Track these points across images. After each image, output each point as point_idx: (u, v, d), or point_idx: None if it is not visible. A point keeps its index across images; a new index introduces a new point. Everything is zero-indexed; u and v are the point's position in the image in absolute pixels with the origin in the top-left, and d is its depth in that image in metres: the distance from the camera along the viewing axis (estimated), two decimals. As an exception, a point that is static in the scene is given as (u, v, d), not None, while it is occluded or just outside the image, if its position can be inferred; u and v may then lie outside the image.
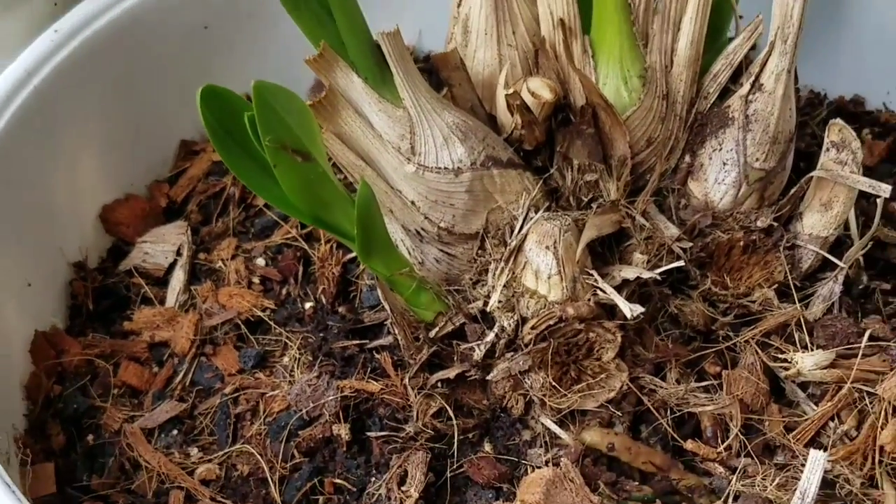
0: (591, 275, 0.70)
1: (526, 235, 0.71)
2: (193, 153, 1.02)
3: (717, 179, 0.78)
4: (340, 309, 0.84)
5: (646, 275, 0.70)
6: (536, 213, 0.74)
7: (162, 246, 0.91)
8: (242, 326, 0.83)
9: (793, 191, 0.78)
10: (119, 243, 0.94)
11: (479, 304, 0.75)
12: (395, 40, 0.71)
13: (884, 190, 0.72)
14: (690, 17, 0.76)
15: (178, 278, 0.88)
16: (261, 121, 0.56)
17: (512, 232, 0.74)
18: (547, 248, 0.70)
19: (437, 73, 0.78)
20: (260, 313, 0.84)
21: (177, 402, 0.79)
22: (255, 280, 0.88)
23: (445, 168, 0.73)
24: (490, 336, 0.72)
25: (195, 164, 1.01)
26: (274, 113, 0.56)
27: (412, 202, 0.75)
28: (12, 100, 0.82)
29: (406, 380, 0.74)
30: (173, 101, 0.99)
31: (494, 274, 0.73)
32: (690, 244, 0.76)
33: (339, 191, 0.64)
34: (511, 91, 0.73)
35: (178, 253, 0.90)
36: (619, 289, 0.71)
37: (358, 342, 0.79)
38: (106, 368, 0.80)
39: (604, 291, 0.69)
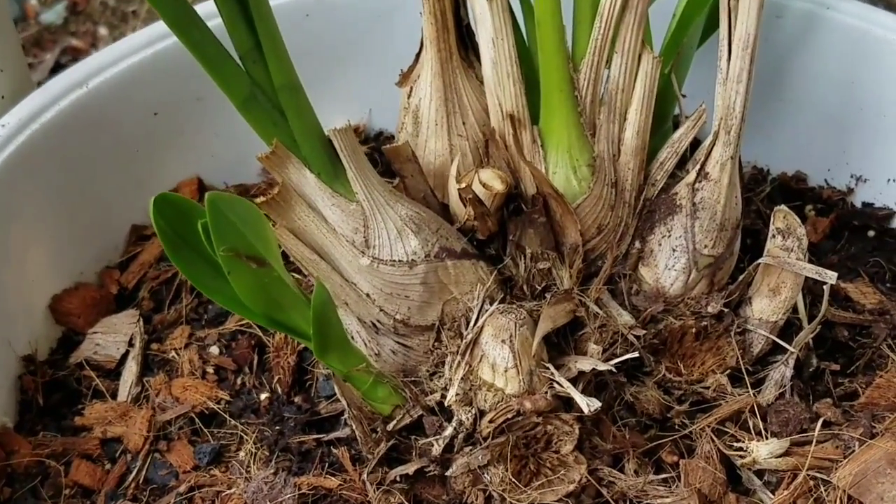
0: (548, 368, 0.70)
1: (482, 328, 0.71)
2: (144, 238, 1.01)
3: (668, 265, 0.78)
4: (296, 399, 0.83)
5: (601, 367, 0.70)
6: (492, 304, 0.73)
7: (113, 336, 0.89)
8: (197, 420, 0.82)
9: (741, 277, 0.78)
10: (69, 333, 0.92)
11: (437, 396, 0.74)
12: (346, 136, 0.70)
13: (830, 277, 0.73)
14: (636, 109, 0.77)
15: (131, 370, 0.86)
16: (215, 231, 0.55)
17: (468, 324, 0.73)
18: (503, 342, 0.69)
19: (390, 164, 0.77)
20: (214, 406, 0.82)
21: (130, 502, 0.77)
22: (210, 370, 0.86)
23: (399, 261, 0.73)
24: (448, 430, 0.71)
25: (146, 249, 1.00)
26: (228, 223, 0.56)
27: (367, 295, 0.74)
28: (-41, 195, 0.80)
29: (364, 475, 0.73)
30: (124, 186, 0.99)
31: (451, 366, 0.73)
32: (644, 331, 0.76)
33: (294, 293, 0.64)
34: (463, 185, 0.73)
35: (131, 343, 0.89)
36: (574, 381, 0.71)
37: (315, 436, 0.77)
38: (57, 469, 0.78)
39: (560, 385, 0.69)
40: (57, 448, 0.80)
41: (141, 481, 0.79)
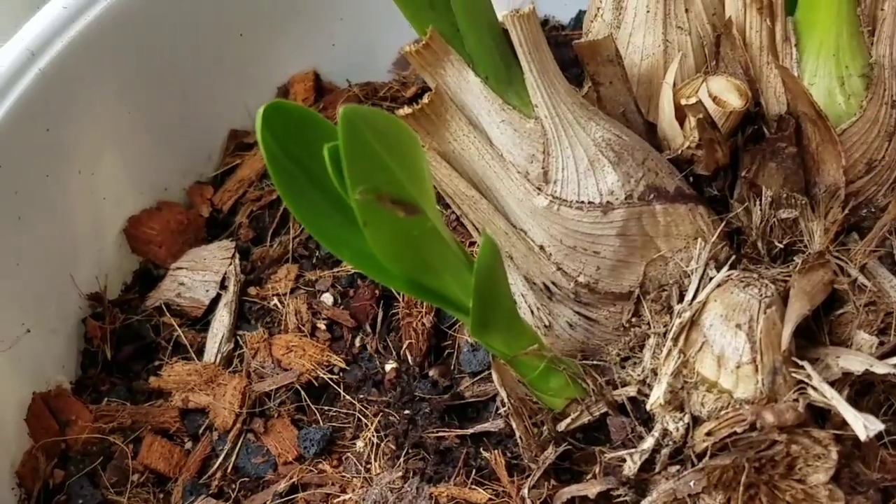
0: (802, 367, 0.54)
1: (705, 304, 0.55)
2: (245, 147, 0.89)
3: (965, 222, 0.62)
4: (431, 373, 0.70)
5: (880, 369, 0.54)
6: (717, 269, 0.58)
7: (202, 275, 0.77)
8: (303, 393, 0.70)
9: None
10: (148, 267, 0.81)
11: (631, 390, 0.60)
12: (528, 25, 0.55)
13: None
14: (940, -2, 0.59)
15: (222, 321, 0.74)
16: (350, 161, 0.41)
17: (682, 296, 0.58)
18: (738, 326, 0.54)
19: (582, 65, 0.62)
20: (326, 375, 0.70)
21: (214, 498, 0.65)
22: (321, 326, 0.74)
23: (590, 203, 0.58)
24: (648, 441, 0.57)
25: (247, 161, 0.87)
26: (369, 151, 0.41)
27: (541, 247, 0.60)
28: (12, 87, 0.70)
29: (525, 490, 0.59)
30: (221, 79, 0.86)
31: (656, 354, 0.58)
32: (928, 315, 0.60)
33: (452, 250, 0.49)
34: (693, 100, 0.57)
35: (223, 285, 0.77)
36: (834, 385, 0.55)
37: (458, 431, 0.64)
38: (123, 449, 0.67)
39: (819, 392, 0.53)
40: (125, 420, 0.69)
41: (229, 470, 0.68)
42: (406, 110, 0.57)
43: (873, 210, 0.64)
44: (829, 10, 0.59)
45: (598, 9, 0.66)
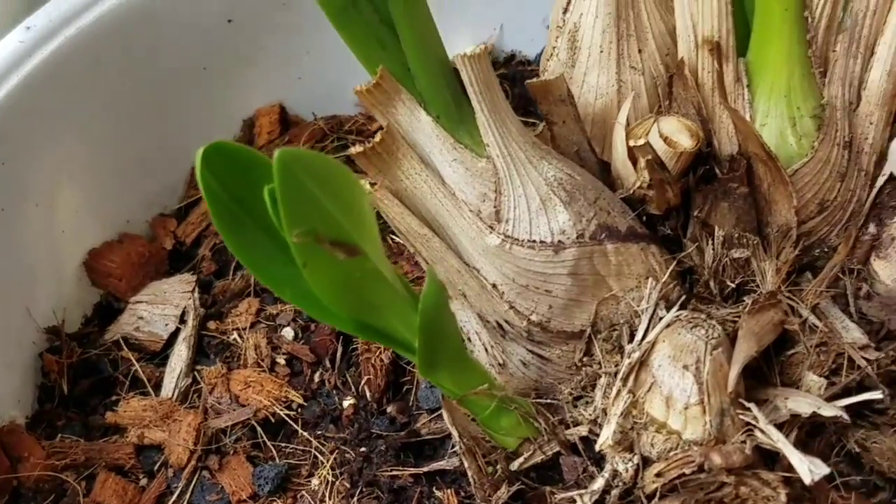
0: (748, 409, 0.55)
1: (654, 345, 0.56)
2: (209, 179, 0.88)
3: (916, 261, 0.62)
4: (389, 409, 0.70)
5: (827, 412, 0.55)
6: (668, 309, 0.58)
7: (162, 308, 0.77)
8: (259, 429, 0.69)
9: None
10: (108, 300, 0.81)
11: (583, 429, 0.60)
12: (479, 65, 0.56)
13: None
14: (890, 42, 0.60)
15: (180, 356, 0.74)
16: (286, 204, 0.41)
17: (633, 335, 0.58)
18: (685, 367, 0.54)
19: (536, 104, 0.62)
20: (283, 412, 0.70)
21: (167, 536, 0.65)
22: (280, 360, 0.74)
23: (542, 242, 0.59)
24: (598, 482, 0.57)
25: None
26: (305, 193, 0.42)
27: (493, 285, 0.60)
28: (-32, 118, 0.69)
29: (477, 529, 0.59)
30: (186, 112, 0.87)
31: (606, 394, 0.58)
32: (879, 354, 0.60)
33: (396, 290, 0.50)
34: (641, 142, 0.57)
35: (183, 319, 0.77)
36: (783, 427, 0.56)
37: (413, 469, 0.64)
38: (75, 487, 0.67)
39: (766, 434, 0.54)
40: (78, 456, 0.69)
41: (184, 508, 0.67)
42: (358, 148, 0.57)
43: (826, 250, 0.65)
44: (780, 52, 0.60)
45: (554, 48, 0.67)
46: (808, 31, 0.60)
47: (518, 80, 0.96)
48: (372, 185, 0.58)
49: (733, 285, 0.63)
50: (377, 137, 0.57)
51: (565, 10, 0.66)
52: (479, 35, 1.02)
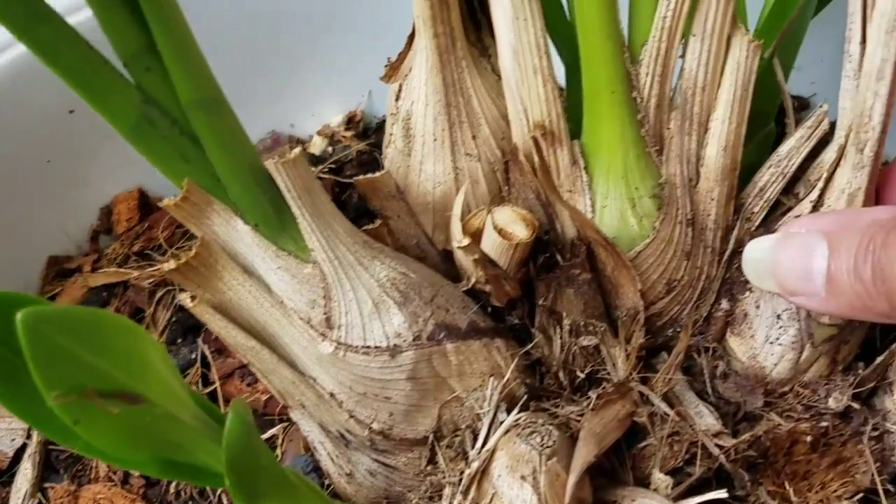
0: (591, 516, 0.53)
1: (494, 452, 0.54)
2: (66, 274, 0.86)
3: (769, 338, 0.61)
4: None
5: (672, 513, 0.53)
6: (510, 408, 0.56)
7: (8, 422, 0.74)
8: (110, 550, 0.66)
9: (879, 359, 0.60)
10: (-45, 413, 0.77)
11: (433, 538, 0.58)
12: (295, 169, 0.54)
13: None
14: (723, 115, 0.59)
15: (26, 475, 0.71)
16: (39, 368, 0.38)
17: (475, 439, 0.56)
18: (523, 478, 0.52)
19: (367, 202, 0.60)
20: (135, 530, 0.67)
21: None
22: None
23: (377, 347, 0.56)
24: None
25: (68, 289, 0.84)
26: (61, 352, 0.39)
27: (331, 394, 0.58)
28: None
29: None
30: (36, 205, 0.83)
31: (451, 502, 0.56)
32: (735, 441, 0.59)
33: (196, 427, 0.47)
34: (465, 243, 0.55)
35: (29, 433, 0.73)
36: (632, 527, 0.54)
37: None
38: None
39: (609, 542, 0.52)
40: None
41: None
42: (171, 265, 0.55)
43: (678, 329, 0.63)
44: (613, 133, 0.59)
45: (391, 135, 0.65)
46: (639, 111, 0.58)
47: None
48: (192, 298, 0.56)
49: (583, 375, 0.61)
50: (192, 252, 0.55)
51: (397, 98, 0.64)
52: (349, 103, 1.00)
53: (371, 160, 0.95)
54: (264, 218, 0.56)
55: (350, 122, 1.00)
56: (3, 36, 0.72)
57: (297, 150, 0.54)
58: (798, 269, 0.51)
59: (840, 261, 0.49)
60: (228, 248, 0.57)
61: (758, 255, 0.54)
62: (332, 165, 0.92)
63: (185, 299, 0.55)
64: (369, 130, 0.99)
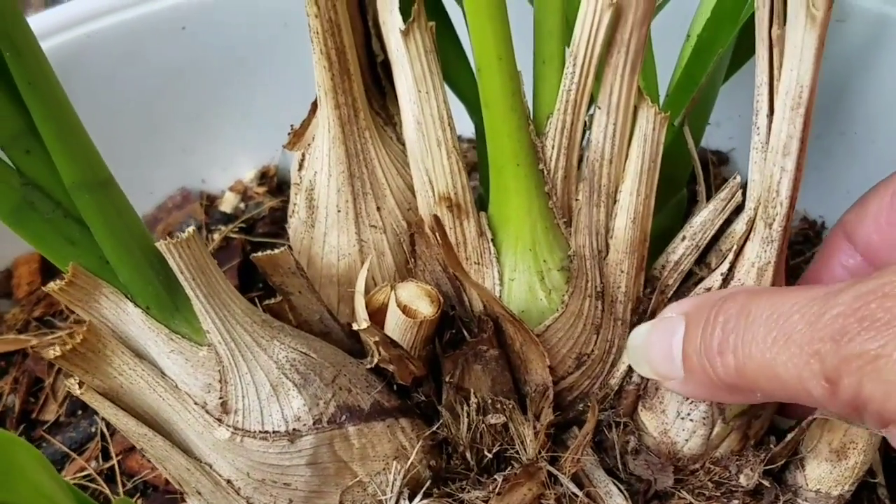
0: None
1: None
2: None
3: (680, 413, 0.60)
4: None
5: None
6: (413, 496, 0.55)
7: None
8: None
9: (790, 436, 0.60)
10: None
11: None
12: (188, 249, 0.52)
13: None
14: (631, 186, 0.58)
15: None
16: None
17: (381, 528, 0.55)
18: (426, 570, 0.51)
19: (266, 278, 0.59)
20: None
21: None
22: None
23: (275, 432, 0.55)
24: None
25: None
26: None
27: (228, 481, 0.56)
28: None
29: None
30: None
31: None
32: (645, 520, 0.58)
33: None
34: (363, 326, 0.54)
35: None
36: None
37: None
38: None
39: None
40: None
41: None
42: (55, 351, 0.53)
43: (588, 405, 0.63)
44: (520, 206, 0.58)
45: (295, 205, 0.63)
46: (546, 183, 0.58)
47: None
48: (80, 385, 0.54)
49: (490, 455, 0.60)
50: (77, 338, 0.53)
51: (300, 167, 0.63)
52: (261, 158, 0.99)
53: (284, 217, 0.93)
54: (156, 300, 0.54)
55: (263, 177, 0.99)
56: None
57: (191, 228, 0.53)
58: (663, 352, 0.50)
59: (690, 339, 0.48)
60: (119, 331, 0.55)
61: (635, 341, 0.54)
62: (243, 224, 0.91)
63: (72, 385, 0.54)
64: (283, 185, 0.98)
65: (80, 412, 0.77)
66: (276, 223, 0.93)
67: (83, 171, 0.50)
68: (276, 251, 0.58)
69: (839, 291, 0.41)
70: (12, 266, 0.86)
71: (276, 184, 0.98)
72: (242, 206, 0.96)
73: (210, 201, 0.97)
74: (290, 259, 0.58)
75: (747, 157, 0.58)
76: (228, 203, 0.97)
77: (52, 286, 0.52)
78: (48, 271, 0.87)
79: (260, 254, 0.58)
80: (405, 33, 0.54)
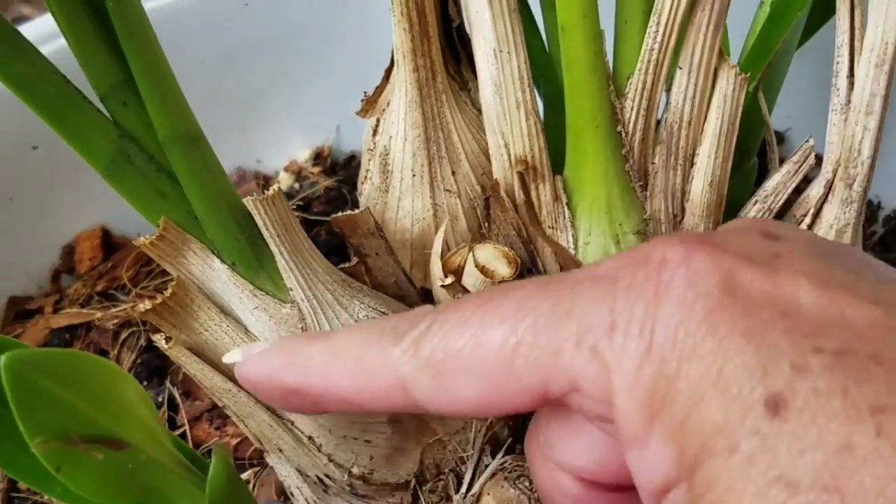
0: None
1: (480, 497, 0.53)
2: (27, 314, 0.84)
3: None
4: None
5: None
6: (494, 454, 0.56)
7: (-32, 470, 0.72)
8: None
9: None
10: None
11: (415, 587, 0.57)
12: (274, 206, 0.53)
13: None
14: (709, 149, 0.59)
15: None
16: (23, 413, 0.37)
17: (459, 483, 0.56)
18: (512, 523, 0.52)
19: (344, 239, 0.60)
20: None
21: None
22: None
23: (357, 389, 0.55)
24: None
25: (29, 331, 0.83)
26: (46, 396, 0.38)
27: (309, 438, 0.57)
28: None
29: None
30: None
31: (436, 550, 0.55)
32: None
33: (180, 473, 0.46)
34: (448, 281, 0.55)
35: (-9, 482, 0.72)
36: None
37: None
38: None
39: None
40: None
41: None
42: (146, 305, 0.54)
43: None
44: (596, 169, 0.59)
45: (368, 171, 0.64)
46: (624, 146, 0.59)
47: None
48: (168, 339, 0.55)
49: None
50: (167, 291, 0.54)
51: (374, 133, 0.63)
52: (316, 138, 1.00)
53: (339, 196, 0.94)
54: (241, 256, 0.55)
55: (318, 157, 1.00)
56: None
57: (275, 186, 0.53)
58: None
59: None
60: (204, 287, 0.56)
61: None
62: (300, 202, 0.92)
63: (159, 340, 0.55)
64: (337, 166, 0.99)
65: (145, 383, 0.78)
66: (331, 202, 0.94)
67: (177, 124, 0.51)
68: (357, 211, 0.58)
69: None
70: (74, 242, 0.88)
71: (329, 164, 0.99)
72: (297, 185, 0.97)
73: (265, 181, 0.98)
74: (369, 219, 0.58)
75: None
76: (283, 183, 0.98)
77: (143, 241, 0.53)
78: (109, 246, 0.88)
79: (340, 214, 0.59)
80: (490, -8, 0.55)
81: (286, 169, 0.99)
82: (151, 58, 0.48)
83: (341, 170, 0.98)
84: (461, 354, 0.38)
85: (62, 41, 0.48)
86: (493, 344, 0.37)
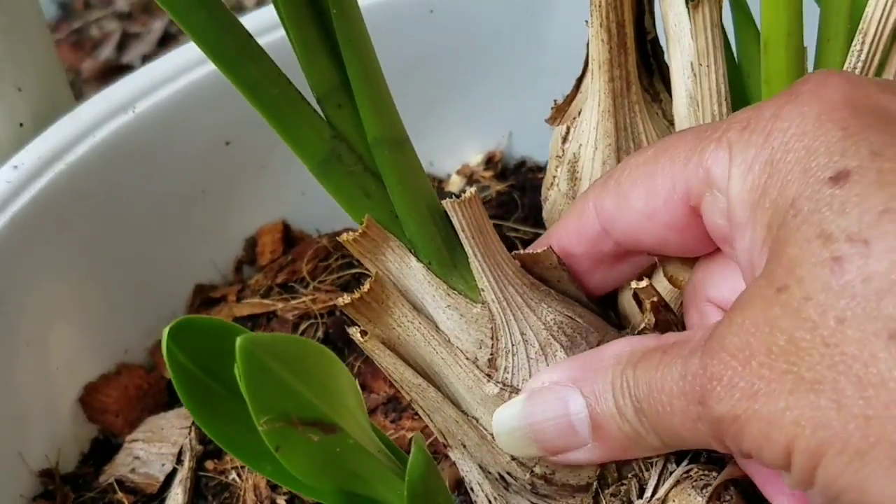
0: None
1: (664, 503, 0.54)
2: (212, 302, 0.89)
3: None
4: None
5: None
6: (679, 461, 0.57)
7: (158, 447, 0.76)
8: (258, 588, 0.68)
9: None
10: (106, 436, 0.80)
11: (593, 590, 0.58)
12: (470, 209, 0.55)
13: None
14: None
15: (176, 500, 0.73)
16: (252, 392, 0.40)
17: (641, 488, 0.57)
18: (695, 532, 0.52)
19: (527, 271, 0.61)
20: (283, 567, 0.68)
21: None
22: (281, 502, 0.72)
23: (543, 390, 0.57)
24: None
25: (213, 316, 0.86)
26: (273, 378, 0.41)
27: (493, 435, 0.59)
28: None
29: None
30: (186, 235, 0.86)
31: (614, 553, 0.56)
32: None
33: (380, 460, 0.49)
34: (644, 284, 0.56)
35: (180, 459, 0.75)
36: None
37: None
38: None
39: None
40: None
41: None
42: (346, 299, 0.56)
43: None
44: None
45: (555, 177, 0.66)
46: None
47: (528, 189, 0.96)
48: (363, 333, 0.57)
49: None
50: (365, 287, 0.56)
51: (564, 140, 0.65)
52: (488, 143, 1.02)
53: (510, 200, 0.96)
54: (437, 256, 0.57)
55: (489, 162, 1.02)
56: (167, 69, 0.76)
57: (472, 189, 0.55)
58: (558, 426, 0.51)
59: (601, 405, 0.49)
60: (400, 284, 0.58)
61: (507, 425, 0.55)
62: (474, 206, 0.94)
63: (354, 334, 0.57)
64: (507, 171, 1.01)
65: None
66: (502, 206, 0.96)
67: (386, 127, 0.53)
68: (539, 251, 0.59)
69: (692, 352, 0.43)
70: (257, 234, 0.91)
71: (500, 169, 1.01)
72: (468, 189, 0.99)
73: (438, 183, 1.00)
74: (552, 257, 0.59)
75: None
76: (455, 185, 1.00)
77: (346, 237, 0.56)
78: (289, 240, 0.92)
79: (523, 252, 0.60)
80: (694, 6, 0.56)
81: (458, 172, 1.01)
82: (368, 64, 0.51)
83: (511, 175, 0.99)
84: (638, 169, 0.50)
85: (274, 35, 0.51)
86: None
